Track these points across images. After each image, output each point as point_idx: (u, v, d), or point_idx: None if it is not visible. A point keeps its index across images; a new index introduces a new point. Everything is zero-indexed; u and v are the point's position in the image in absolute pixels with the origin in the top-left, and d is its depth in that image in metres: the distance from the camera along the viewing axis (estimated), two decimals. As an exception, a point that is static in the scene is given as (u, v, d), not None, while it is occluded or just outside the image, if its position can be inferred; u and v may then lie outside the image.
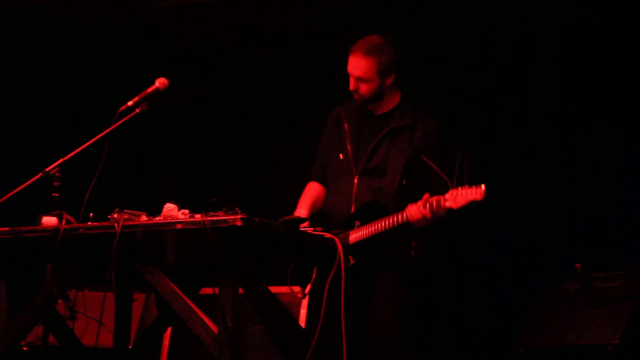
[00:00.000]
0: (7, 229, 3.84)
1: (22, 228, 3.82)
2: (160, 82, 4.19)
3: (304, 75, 6.37)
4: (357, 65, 4.52)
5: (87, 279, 4.04)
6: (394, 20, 6.22)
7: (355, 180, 4.57)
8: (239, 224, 3.54)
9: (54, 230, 3.73)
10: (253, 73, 6.50)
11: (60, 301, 3.96)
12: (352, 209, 4.50)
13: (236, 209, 3.60)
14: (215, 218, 3.57)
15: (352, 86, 4.57)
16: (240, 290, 3.69)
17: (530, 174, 5.92)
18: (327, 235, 4.15)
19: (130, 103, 4.07)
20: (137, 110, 4.07)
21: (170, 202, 3.87)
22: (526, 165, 5.93)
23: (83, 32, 6.82)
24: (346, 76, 4.58)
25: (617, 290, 4.98)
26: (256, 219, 3.65)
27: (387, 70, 4.55)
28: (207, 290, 3.96)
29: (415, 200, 4.39)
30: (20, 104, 6.83)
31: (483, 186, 4.23)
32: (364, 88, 4.56)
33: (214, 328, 3.62)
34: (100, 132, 4.02)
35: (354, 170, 4.59)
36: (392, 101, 4.64)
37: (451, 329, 6.00)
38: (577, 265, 4.97)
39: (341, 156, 4.65)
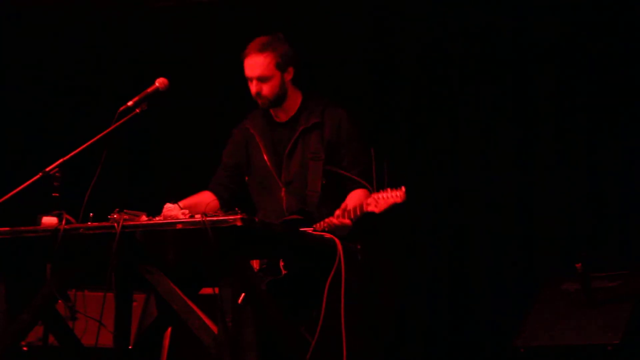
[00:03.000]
0: (7, 229, 3.84)
1: (22, 228, 3.82)
2: (160, 82, 4.20)
3: (304, 75, 6.36)
4: (254, 64, 4.52)
5: (87, 279, 4.04)
6: (394, 20, 6.25)
7: (282, 193, 4.59)
8: (239, 224, 3.54)
9: (54, 230, 3.73)
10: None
11: (60, 301, 3.97)
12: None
13: (236, 209, 3.60)
14: (215, 218, 3.57)
15: (254, 89, 4.55)
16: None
17: (530, 174, 5.91)
18: (327, 235, 4.16)
19: (130, 103, 4.07)
20: (137, 111, 4.08)
21: (170, 202, 3.87)
22: (526, 165, 5.92)
23: (83, 32, 6.82)
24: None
25: (617, 290, 4.98)
26: (256, 219, 3.66)
27: (285, 64, 4.55)
28: (207, 290, 3.96)
29: (339, 202, 4.46)
30: (20, 103, 6.83)
31: (403, 188, 4.29)
32: (266, 88, 4.54)
33: (214, 328, 3.63)
34: (100, 132, 4.03)
35: (279, 183, 4.60)
36: (296, 103, 4.65)
37: (451, 329, 6.00)
38: (577, 265, 4.97)
39: (262, 170, 4.65)
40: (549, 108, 5.88)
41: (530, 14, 5.93)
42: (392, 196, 4.31)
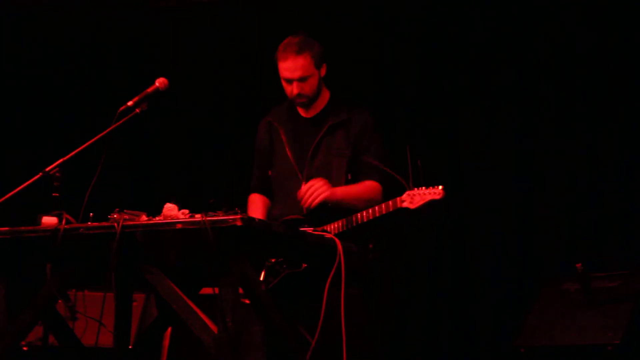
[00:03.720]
0: (7, 229, 3.83)
1: (22, 228, 3.82)
2: (160, 82, 4.19)
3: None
4: (295, 66, 4.55)
5: (87, 279, 4.04)
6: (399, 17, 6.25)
7: (303, 187, 4.59)
8: (239, 224, 3.54)
9: (54, 230, 3.73)
10: (254, 73, 6.50)
11: (60, 301, 3.97)
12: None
13: (236, 209, 3.60)
14: (215, 218, 3.57)
15: (295, 90, 4.58)
16: (240, 291, 3.70)
17: (530, 173, 5.91)
18: (327, 235, 4.16)
19: (130, 103, 4.07)
20: (137, 111, 4.07)
21: (170, 202, 3.87)
22: (526, 165, 5.92)
23: (84, 32, 6.82)
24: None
25: (617, 290, 4.98)
26: (256, 219, 3.65)
27: (320, 61, 4.61)
28: (207, 290, 3.95)
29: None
30: (20, 103, 6.83)
31: (441, 187, 4.32)
32: (307, 87, 4.59)
33: (214, 328, 3.62)
34: (101, 132, 4.03)
35: (300, 176, 4.61)
36: (324, 100, 4.69)
37: (451, 329, 6.00)
38: (577, 265, 4.97)
39: (284, 164, 4.66)
40: (549, 107, 5.88)
41: (531, 11, 5.93)
42: (430, 193, 4.33)
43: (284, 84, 4.62)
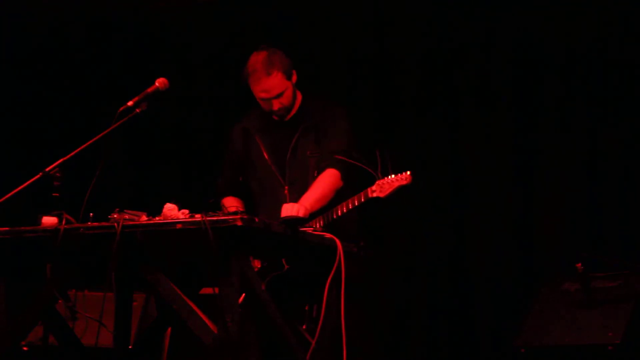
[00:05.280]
0: (7, 229, 3.84)
1: (22, 228, 3.82)
2: (160, 82, 4.19)
3: (306, 75, 6.36)
4: (269, 87, 4.58)
5: (87, 279, 4.04)
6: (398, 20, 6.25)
7: (286, 191, 4.62)
8: (239, 224, 3.54)
9: (54, 230, 3.73)
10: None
11: (60, 301, 3.97)
12: None
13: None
14: (215, 218, 3.57)
15: (276, 107, 4.62)
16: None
17: (530, 173, 5.91)
18: (327, 235, 4.16)
19: (130, 103, 4.07)
20: (137, 111, 4.07)
21: (170, 202, 3.88)
22: (527, 165, 5.92)
23: (84, 32, 6.82)
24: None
25: (617, 290, 4.98)
26: (256, 219, 3.65)
27: (290, 72, 4.65)
28: (207, 290, 3.96)
29: (344, 195, 4.52)
30: (20, 103, 6.83)
31: (408, 172, 4.36)
32: (285, 100, 4.63)
33: (214, 328, 3.62)
34: (101, 132, 4.03)
35: (282, 181, 4.64)
36: (296, 103, 4.72)
37: (451, 329, 6.00)
38: (577, 265, 4.97)
39: (263, 170, 4.68)
40: (550, 107, 5.88)
41: (532, 10, 5.94)
42: (398, 179, 4.37)
43: (260, 102, 4.65)
